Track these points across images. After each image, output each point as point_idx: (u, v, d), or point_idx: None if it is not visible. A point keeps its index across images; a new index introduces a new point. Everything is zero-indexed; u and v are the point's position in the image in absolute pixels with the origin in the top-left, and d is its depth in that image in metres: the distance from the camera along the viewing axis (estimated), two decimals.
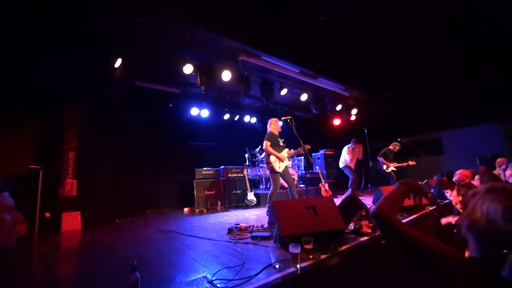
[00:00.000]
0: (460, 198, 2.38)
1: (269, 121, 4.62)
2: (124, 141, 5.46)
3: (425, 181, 5.50)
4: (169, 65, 5.03)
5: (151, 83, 5.77)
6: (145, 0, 3.52)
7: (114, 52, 4.40)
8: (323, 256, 2.08)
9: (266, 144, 4.26)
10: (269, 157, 4.27)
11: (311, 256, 2.06)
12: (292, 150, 4.59)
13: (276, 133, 4.50)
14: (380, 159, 6.56)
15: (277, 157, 4.24)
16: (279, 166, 4.24)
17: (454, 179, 4.17)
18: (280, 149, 4.36)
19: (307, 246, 2.12)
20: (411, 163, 6.40)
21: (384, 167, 6.46)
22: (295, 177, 6.87)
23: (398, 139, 6.71)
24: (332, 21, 5.52)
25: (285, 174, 4.35)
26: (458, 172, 4.02)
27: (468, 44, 6.39)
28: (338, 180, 7.71)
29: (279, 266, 1.93)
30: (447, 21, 5.66)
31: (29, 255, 2.97)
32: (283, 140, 4.55)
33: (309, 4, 5.11)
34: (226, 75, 5.19)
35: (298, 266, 1.86)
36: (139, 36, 4.19)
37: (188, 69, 4.79)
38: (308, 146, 4.59)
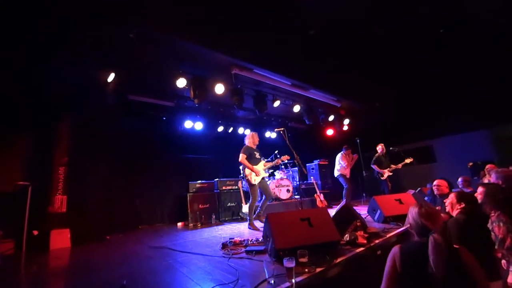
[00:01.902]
0: (462, 205, 2.40)
1: (247, 135, 4.78)
2: (116, 155, 5.38)
3: (419, 189, 5.54)
4: (162, 79, 5.07)
5: (144, 96, 5.79)
6: (137, 15, 3.58)
7: (106, 67, 4.41)
8: (318, 269, 2.05)
9: (242, 156, 4.39)
10: (245, 169, 4.45)
11: (306, 270, 2.03)
12: (268, 162, 4.87)
13: (253, 146, 4.64)
14: (374, 166, 6.53)
15: (251, 170, 4.36)
16: (254, 179, 4.37)
17: (435, 192, 4.15)
18: (256, 162, 4.49)
19: (302, 260, 2.08)
20: (407, 160, 6.38)
21: (379, 174, 6.45)
22: (290, 188, 6.84)
23: (390, 148, 6.77)
24: (323, 34, 5.68)
25: (262, 185, 4.50)
26: (436, 183, 3.99)
27: (457, 52, 6.61)
28: (333, 190, 7.70)
29: (274, 282, 1.89)
30: (435, 30, 5.87)
31: (16, 275, 2.86)
32: (259, 153, 4.68)
33: (300, 18, 5.28)
34: (219, 88, 5.24)
35: (293, 280, 1.83)
36: (131, 51, 4.22)
37: (181, 83, 4.83)
38: (287, 157, 4.83)
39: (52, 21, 3.48)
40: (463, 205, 2.42)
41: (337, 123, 8.29)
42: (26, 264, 3.32)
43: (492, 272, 2.02)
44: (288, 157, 4.90)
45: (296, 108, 6.86)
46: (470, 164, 8.66)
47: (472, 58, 6.68)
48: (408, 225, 1.67)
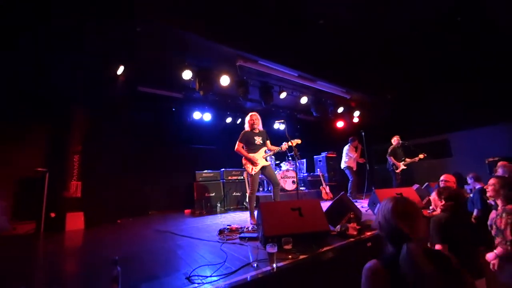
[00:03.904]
0: (443, 202, 2.36)
1: None
2: (127, 144, 5.65)
3: (426, 184, 5.42)
4: (170, 70, 5.20)
5: (153, 88, 5.99)
6: (142, 9, 3.70)
7: (116, 59, 4.60)
8: (302, 257, 2.14)
9: (237, 146, 3.97)
10: (243, 158, 4.01)
11: (290, 256, 2.13)
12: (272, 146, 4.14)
13: (252, 130, 4.04)
14: (390, 158, 6.36)
15: (247, 159, 3.92)
16: (251, 168, 3.90)
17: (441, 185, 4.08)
18: (255, 149, 3.96)
19: (286, 247, 2.19)
20: (421, 156, 6.22)
21: (394, 167, 6.31)
22: (296, 179, 6.88)
23: (401, 142, 6.60)
24: (330, 25, 5.57)
25: (266, 174, 4.02)
26: (443, 177, 3.89)
27: (472, 43, 6.27)
28: (341, 182, 7.65)
29: (257, 265, 2.00)
30: (447, 19, 5.59)
31: (34, 252, 3.17)
32: (262, 137, 4.07)
33: (307, 9, 5.20)
34: (225, 80, 5.31)
35: (274, 265, 1.93)
36: (139, 44, 4.38)
37: (187, 74, 4.95)
38: (298, 141, 4.11)
39: (66, 19, 3.68)
40: (443, 202, 2.36)
41: (347, 115, 8.16)
42: (43, 243, 3.66)
43: (475, 270, 2.01)
44: (299, 141, 4.13)
45: (304, 100, 6.82)
46: (489, 160, 8.28)
47: (491, 47, 6.31)
48: (377, 226, 1.19)
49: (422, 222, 1.10)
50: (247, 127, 4.14)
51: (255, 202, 4.04)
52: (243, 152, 3.95)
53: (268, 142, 4.13)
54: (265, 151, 4.05)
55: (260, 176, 4.05)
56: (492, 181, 2.31)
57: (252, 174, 3.91)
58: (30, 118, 4.73)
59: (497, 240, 2.05)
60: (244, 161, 4.00)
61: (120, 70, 4.72)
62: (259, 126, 4.15)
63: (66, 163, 4.51)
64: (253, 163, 3.91)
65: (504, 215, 2.04)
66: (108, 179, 5.00)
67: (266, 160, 4.06)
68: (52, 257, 2.88)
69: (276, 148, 4.07)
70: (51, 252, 3.12)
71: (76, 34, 4.02)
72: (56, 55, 4.20)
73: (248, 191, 5.96)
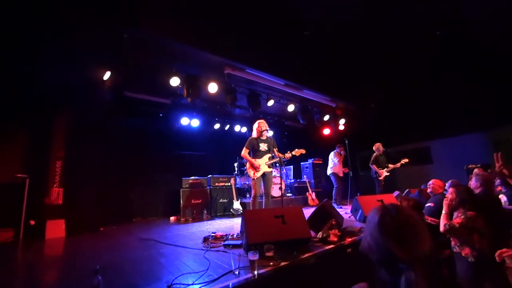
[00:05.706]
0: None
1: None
2: (112, 150, 5.58)
3: (407, 190, 5.62)
4: (158, 76, 5.20)
5: (140, 93, 5.95)
6: (130, 16, 3.73)
7: (102, 65, 4.57)
8: (283, 263, 2.19)
9: (243, 151, 4.20)
10: (246, 164, 4.30)
11: (271, 263, 2.18)
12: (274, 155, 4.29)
13: (259, 136, 4.26)
14: (373, 166, 6.60)
15: (251, 164, 4.15)
16: (253, 173, 4.12)
17: (428, 190, 4.32)
18: (259, 155, 4.19)
19: (268, 254, 2.24)
20: (403, 161, 6.45)
21: (377, 174, 6.52)
22: (282, 185, 6.96)
23: (383, 149, 6.83)
24: (316, 35, 5.76)
25: (264, 181, 4.22)
26: (431, 182, 4.16)
27: (454, 54, 6.62)
28: (326, 189, 7.80)
29: (239, 273, 2.04)
30: (432, 31, 5.88)
31: (12, 261, 3.07)
32: (267, 144, 4.28)
33: (293, 19, 5.37)
34: (213, 87, 5.36)
35: (255, 272, 1.98)
36: (126, 50, 4.37)
37: (174, 81, 4.96)
38: (302, 151, 4.41)
39: (49, 21, 3.65)
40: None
41: (333, 122, 8.35)
42: (21, 252, 3.54)
43: None
44: (303, 151, 4.42)
45: (290, 108, 6.96)
46: (469, 166, 8.65)
47: (470, 58, 6.67)
48: (366, 248, 0.90)
49: (424, 238, 0.81)
50: (254, 134, 4.32)
51: (256, 206, 4.21)
52: (248, 157, 4.19)
53: (275, 150, 4.25)
54: (269, 158, 4.25)
55: (248, 183, 4.15)
56: (450, 190, 2.58)
57: (253, 179, 4.14)
58: (10, 123, 4.60)
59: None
60: (248, 166, 4.23)
61: (107, 75, 4.69)
62: (267, 133, 4.34)
63: (48, 169, 4.40)
64: (255, 168, 4.13)
65: (459, 214, 2.34)
66: (91, 186, 4.91)
67: (269, 167, 4.25)
68: (30, 266, 2.81)
69: (280, 155, 4.17)
70: (29, 261, 3.03)
71: (60, 40, 3.99)
72: (40, 59, 4.13)
73: (235, 198, 6.05)
